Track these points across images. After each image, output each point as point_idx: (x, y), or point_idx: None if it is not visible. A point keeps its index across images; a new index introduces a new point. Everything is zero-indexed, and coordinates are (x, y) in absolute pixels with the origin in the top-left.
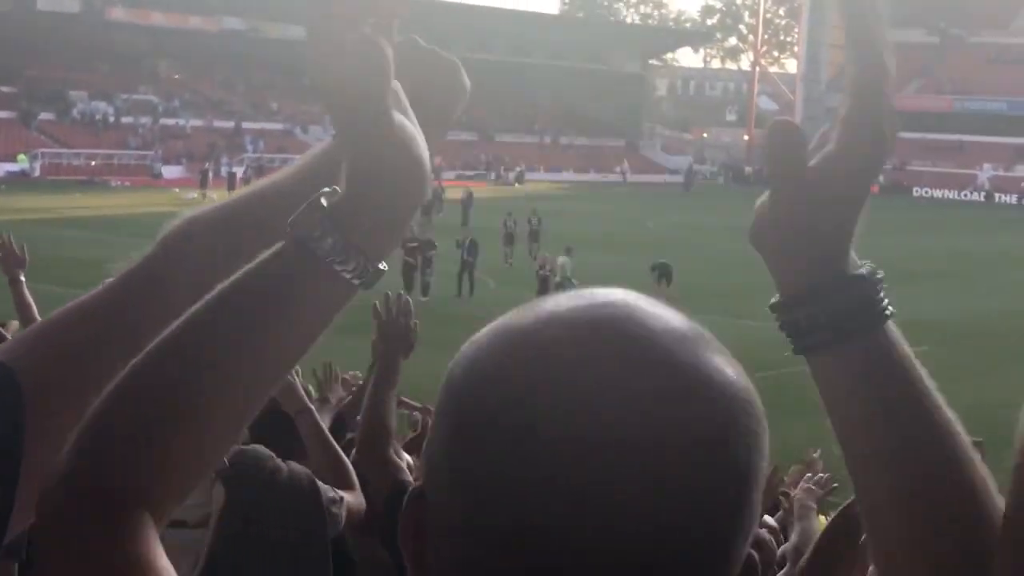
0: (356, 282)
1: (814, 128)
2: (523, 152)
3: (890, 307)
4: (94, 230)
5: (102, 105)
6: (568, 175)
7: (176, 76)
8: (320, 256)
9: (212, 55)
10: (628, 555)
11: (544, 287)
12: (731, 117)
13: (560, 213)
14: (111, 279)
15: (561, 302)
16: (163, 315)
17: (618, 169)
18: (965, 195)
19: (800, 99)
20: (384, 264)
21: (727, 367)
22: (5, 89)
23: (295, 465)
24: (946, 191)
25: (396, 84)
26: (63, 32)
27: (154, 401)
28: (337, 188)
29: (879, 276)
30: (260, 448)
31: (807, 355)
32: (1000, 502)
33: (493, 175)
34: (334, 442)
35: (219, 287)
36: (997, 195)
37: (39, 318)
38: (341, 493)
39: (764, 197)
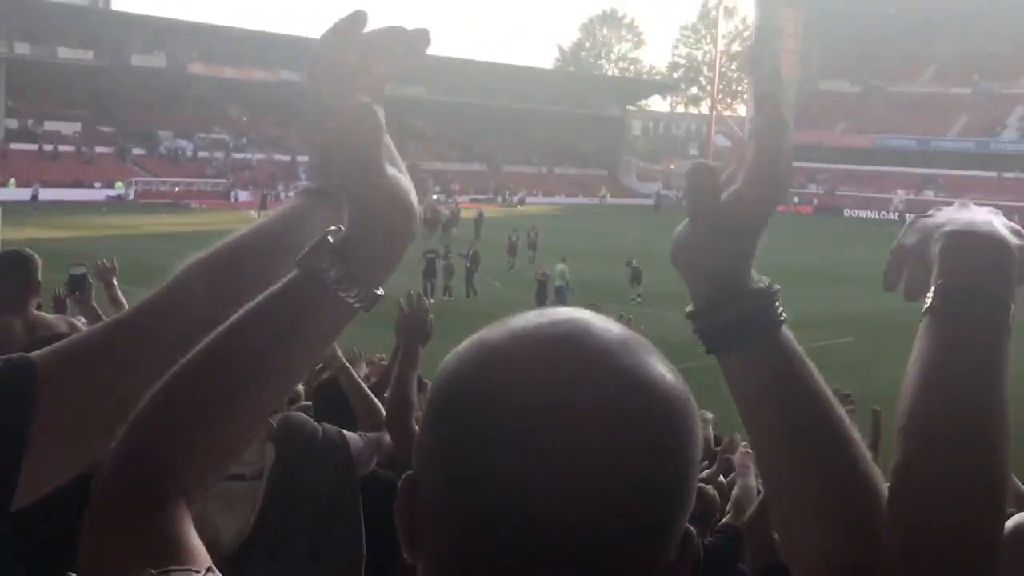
0: (358, 305)
1: None
2: (524, 180)
3: (784, 314)
4: (177, 243)
5: (184, 142)
6: (561, 199)
7: (244, 118)
8: (328, 284)
9: (272, 101)
10: (582, 536)
11: (542, 290)
12: (693, 152)
13: (555, 229)
14: (137, 303)
15: (528, 320)
16: (173, 336)
17: (600, 194)
18: (883, 214)
19: (747, 136)
20: (381, 290)
21: (667, 372)
22: (106, 129)
23: (328, 426)
24: (869, 212)
25: (387, 139)
26: (152, 83)
27: (190, 406)
28: (341, 227)
29: (775, 289)
30: (300, 415)
31: (716, 355)
32: (876, 471)
33: (500, 199)
34: (369, 392)
35: (243, 309)
36: (908, 215)
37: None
38: (375, 434)
39: (683, 225)
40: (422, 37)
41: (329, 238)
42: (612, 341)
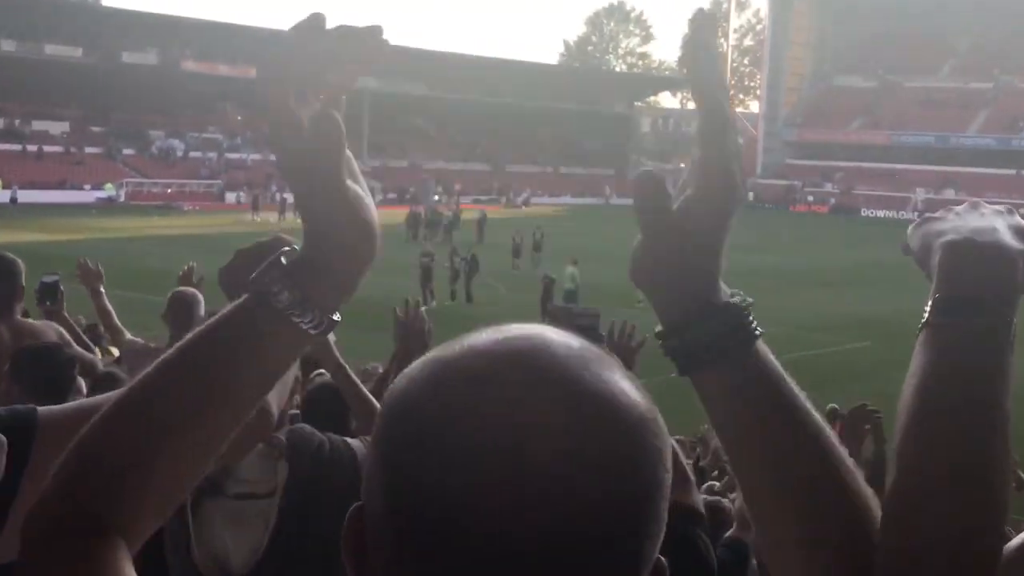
0: (313, 332)
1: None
2: (529, 180)
3: (758, 329)
4: (169, 246)
5: (176, 142)
6: (567, 199)
7: (238, 117)
8: (280, 309)
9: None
10: (534, 563)
11: (547, 293)
12: None
13: (560, 231)
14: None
15: (482, 336)
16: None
17: (605, 194)
18: (902, 214)
19: (761, 134)
20: (337, 315)
21: (631, 390)
22: (95, 129)
23: (332, 435)
24: (887, 211)
25: (348, 153)
26: (143, 81)
27: (130, 438)
28: (296, 247)
29: (748, 302)
30: (305, 427)
31: (689, 375)
32: (866, 492)
33: (504, 199)
34: (367, 393)
35: (190, 335)
36: (927, 213)
37: (119, 323)
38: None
39: (637, 241)
40: (374, 34)
41: (282, 259)
42: (570, 356)
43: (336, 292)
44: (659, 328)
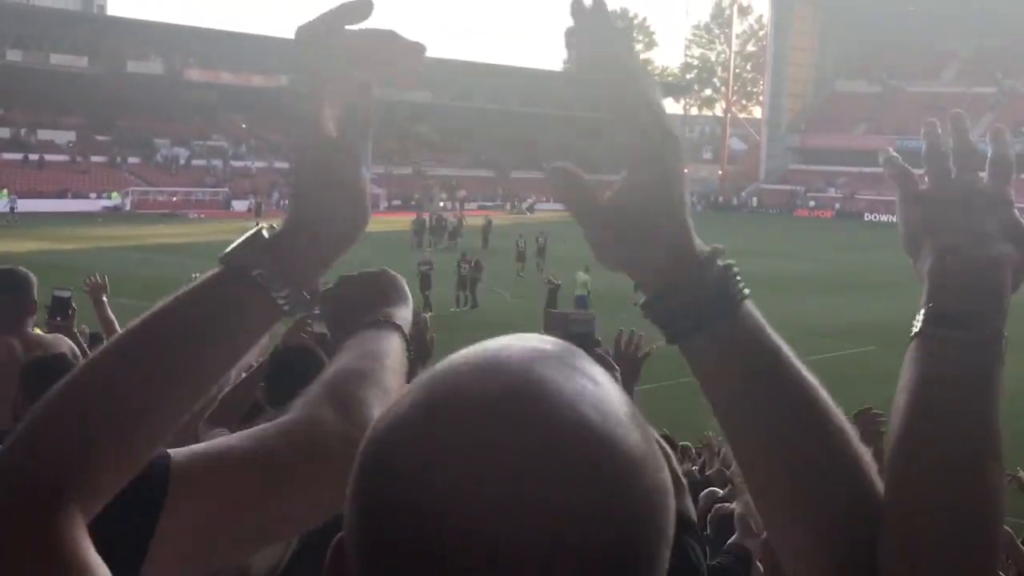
0: (286, 308)
1: (777, 163)
2: (533, 186)
3: (746, 290)
4: (174, 254)
5: (181, 150)
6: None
7: (243, 125)
8: (259, 283)
9: (272, 107)
10: None
11: (552, 298)
12: (707, 155)
13: (566, 236)
14: (280, 420)
15: (471, 371)
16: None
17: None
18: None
19: (764, 139)
20: (308, 294)
21: (629, 428)
22: (101, 138)
23: None
24: (890, 216)
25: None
26: (148, 89)
27: (88, 406)
28: (274, 225)
29: (729, 264)
30: None
31: (678, 343)
32: (875, 470)
33: (508, 205)
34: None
35: (161, 302)
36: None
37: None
38: None
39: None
40: (416, 50)
41: (264, 233)
42: (563, 394)
43: (314, 270)
44: (643, 299)
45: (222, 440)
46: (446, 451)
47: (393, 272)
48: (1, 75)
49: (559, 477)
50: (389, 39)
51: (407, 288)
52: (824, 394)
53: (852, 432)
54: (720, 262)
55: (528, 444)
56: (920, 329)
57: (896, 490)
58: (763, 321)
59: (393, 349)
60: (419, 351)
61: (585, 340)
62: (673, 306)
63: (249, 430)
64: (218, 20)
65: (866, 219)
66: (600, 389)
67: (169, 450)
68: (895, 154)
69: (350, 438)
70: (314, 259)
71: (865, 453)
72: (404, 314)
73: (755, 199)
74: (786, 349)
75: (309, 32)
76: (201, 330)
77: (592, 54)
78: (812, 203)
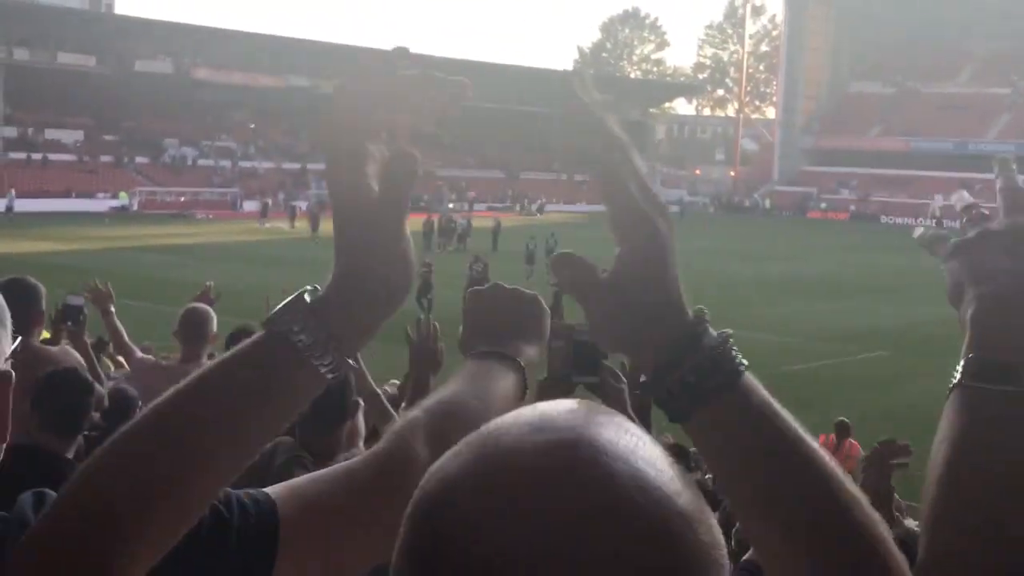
0: (330, 376)
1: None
2: (543, 187)
3: (743, 362)
4: (183, 255)
5: (189, 150)
6: (582, 206)
7: (251, 126)
8: (300, 350)
9: (280, 108)
10: None
11: (558, 301)
12: (719, 156)
13: (577, 239)
14: (366, 454)
15: (522, 433)
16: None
17: None
18: (921, 221)
19: (778, 141)
20: (353, 361)
21: (680, 488)
22: (109, 138)
23: None
24: (906, 218)
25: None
26: (156, 89)
27: (129, 477)
28: (319, 287)
29: (725, 335)
30: None
31: (680, 421)
32: (877, 517)
33: (518, 207)
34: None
35: (201, 371)
36: (945, 220)
37: (129, 342)
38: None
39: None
40: (460, 89)
41: (306, 296)
42: (617, 459)
43: (359, 336)
44: (643, 379)
45: (321, 484)
46: (500, 515)
47: (544, 304)
48: (8, 75)
49: (620, 538)
50: (430, 83)
51: (548, 324)
52: (829, 462)
53: (863, 500)
54: (715, 333)
55: (586, 505)
56: (959, 380)
57: (934, 552)
58: (765, 393)
59: (507, 395)
60: (429, 362)
61: (591, 352)
62: (672, 384)
63: (344, 469)
64: (227, 20)
65: (883, 221)
66: (648, 446)
67: (272, 495)
68: (1011, 163)
69: None
70: (358, 324)
71: (879, 521)
72: (532, 353)
73: (768, 201)
74: (789, 419)
75: (344, 88)
76: (242, 399)
77: (579, 127)
78: (824, 205)
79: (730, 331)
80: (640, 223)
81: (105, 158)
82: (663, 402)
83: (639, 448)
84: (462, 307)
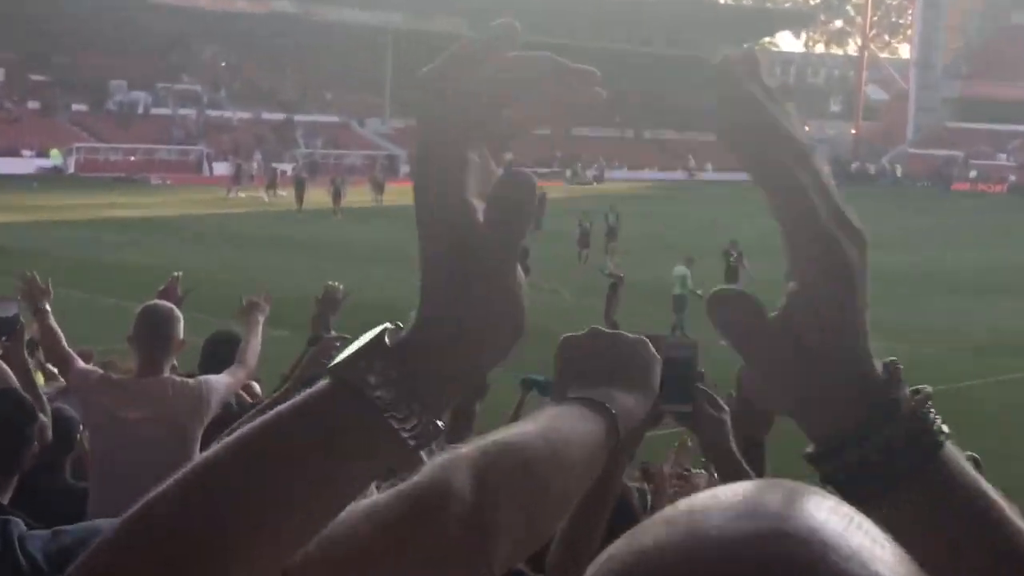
0: (412, 443)
1: (930, 120)
2: (602, 147)
3: (943, 428)
4: (133, 232)
5: (141, 95)
6: (651, 173)
7: (222, 64)
8: (378, 408)
9: (261, 40)
10: None
11: (613, 295)
12: (835, 107)
13: (643, 215)
14: (396, 488)
15: (732, 520)
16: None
17: (688, 165)
18: None
19: (913, 87)
20: (442, 422)
21: None
22: (35, 78)
23: None
24: None
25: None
26: (100, 17)
27: (164, 548)
28: (400, 324)
29: (926, 393)
30: None
31: (860, 507)
32: None
33: (569, 173)
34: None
35: (255, 424)
36: None
37: (68, 349)
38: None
39: (745, 366)
40: (589, 79)
41: (385, 339)
42: (851, 561)
43: (450, 391)
44: (809, 449)
45: (359, 531)
46: None
47: (654, 353)
48: None
49: None
50: (546, 65)
51: (658, 373)
52: None
53: None
54: (909, 393)
55: None
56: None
57: None
58: (966, 464)
59: (585, 443)
60: (478, 390)
61: (685, 370)
62: (853, 460)
63: (367, 502)
64: None
65: None
66: (883, 540)
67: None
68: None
69: (473, 522)
70: (451, 377)
71: None
72: (630, 404)
73: (899, 167)
74: (994, 495)
75: (434, 77)
76: (305, 468)
77: (743, 126)
78: (974, 173)
79: (929, 389)
80: (824, 249)
81: (32, 104)
82: (835, 479)
83: (875, 551)
84: (554, 354)
